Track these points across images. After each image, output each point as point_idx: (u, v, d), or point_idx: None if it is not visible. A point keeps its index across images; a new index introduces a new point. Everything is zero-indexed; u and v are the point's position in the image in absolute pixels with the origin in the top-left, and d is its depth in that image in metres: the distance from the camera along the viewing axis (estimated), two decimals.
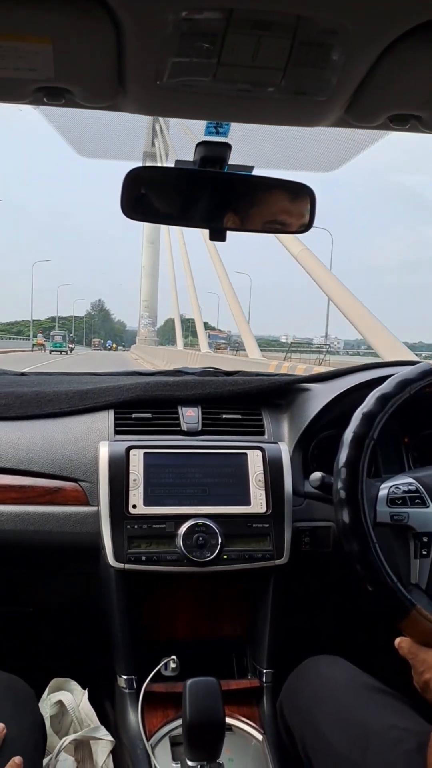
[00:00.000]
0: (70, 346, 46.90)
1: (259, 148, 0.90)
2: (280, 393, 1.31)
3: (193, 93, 0.72)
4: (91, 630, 1.26)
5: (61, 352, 41.85)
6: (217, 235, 0.93)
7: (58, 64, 0.66)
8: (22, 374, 1.53)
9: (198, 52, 0.64)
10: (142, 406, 1.23)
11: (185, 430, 1.21)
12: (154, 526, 1.08)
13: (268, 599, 1.15)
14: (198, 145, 0.90)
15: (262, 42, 0.62)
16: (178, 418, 1.22)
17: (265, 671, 1.15)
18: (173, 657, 1.11)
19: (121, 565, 1.07)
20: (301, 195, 0.94)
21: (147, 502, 1.09)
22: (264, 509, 1.12)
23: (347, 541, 0.96)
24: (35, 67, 0.66)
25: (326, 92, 0.71)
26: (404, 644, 0.88)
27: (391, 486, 1.02)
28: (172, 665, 1.11)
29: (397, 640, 0.88)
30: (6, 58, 0.64)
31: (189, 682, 0.88)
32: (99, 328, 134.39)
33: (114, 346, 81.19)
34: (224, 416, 1.24)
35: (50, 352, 41.58)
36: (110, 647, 1.15)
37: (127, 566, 1.07)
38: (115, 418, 1.21)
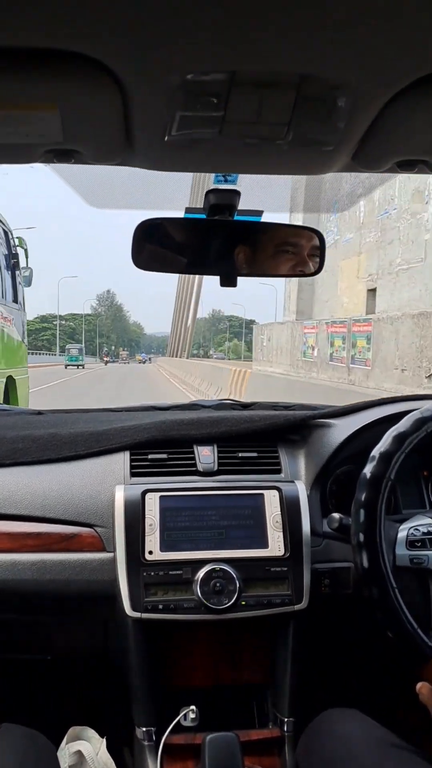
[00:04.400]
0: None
1: (268, 192, 0.91)
2: (296, 429, 1.30)
3: (200, 147, 0.73)
4: (109, 678, 1.24)
5: (77, 366, 40.99)
6: (228, 282, 0.93)
7: (66, 128, 0.67)
8: (39, 413, 1.54)
9: (203, 110, 0.64)
10: (158, 446, 1.23)
11: (201, 470, 1.20)
12: (170, 572, 1.06)
13: (288, 645, 1.13)
14: (207, 193, 0.91)
15: (265, 99, 0.63)
16: (194, 458, 1.21)
17: (286, 720, 1.12)
18: (192, 707, 1.08)
19: (138, 614, 1.05)
20: (310, 239, 0.94)
21: (163, 547, 1.08)
22: (282, 552, 1.10)
23: (366, 586, 0.94)
24: (44, 132, 0.67)
25: (332, 143, 0.71)
26: (425, 690, 0.85)
27: (411, 528, 1.00)
28: (192, 715, 1.08)
29: (419, 685, 0.86)
30: (15, 125, 0.66)
31: (208, 738, 0.86)
32: (109, 330, 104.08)
33: (137, 357, 72.62)
34: (240, 454, 1.23)
35: (66, 366, 40.44)
36: (128, 696, 1.13)
37: (144, 615, 1.05)
38: (131, 460, 1.20)
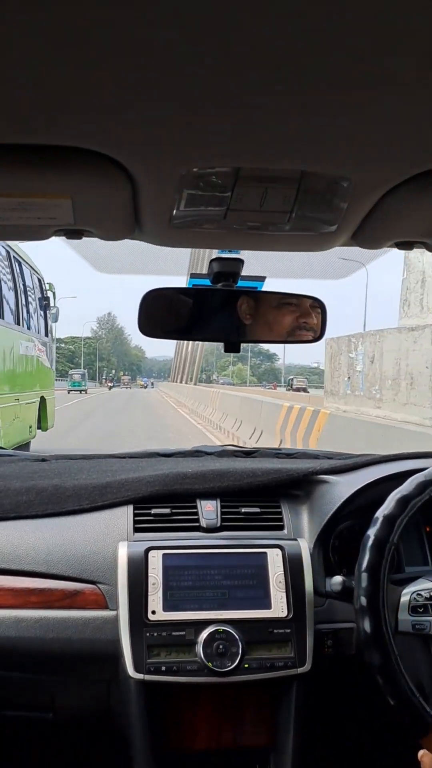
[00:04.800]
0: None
1: (271, 259, 0.93)
2: (299, 484, 1.30)
3: (204, 229, 0.75)
4: (110, 740, 1.23)
5: (80, 391, 40.94)
6: (232, 347, 0.95)
7: (77, 212, 0.70)
8: (43, 460, 1.54)
9: (208, 198, 0.67)
10: (161, 500, 1.23)
11: (204, 526, 1.20)
12: (173, 633, 1.06)
13: (290, 707, 1.11)
14: (212, 261, 0.94)
15: (268, 192, 0.65)
16: (197, 513, 1.22)
17: None
18: None
19: (140, 676, 1.04)
20: (312, 307, 0.96)
21: (166, 607, 1.08)
22: (285, 613, 1.10)
23: (368, 652, 0.93)
24: (56, 216, 0.70)
25: (331, 227, 0.73)
26: (426, 759, 0.84)
27: (414, 592, 1.00)
28: None
29: (420, 753, 0.85)
30: (28, 210, 0.68)
31: None
32: (109, 353, 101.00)
33: (138, 382, 70.92)
34: (243, 510, 1.23)
35: (69, 391, 40.06)
36: (130, 759, 1.11)
37: (147, 677, 1.04)
38: (134, 515, 1.21)
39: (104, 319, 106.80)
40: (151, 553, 1.11)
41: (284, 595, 1.11)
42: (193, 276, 0.98)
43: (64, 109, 0.51)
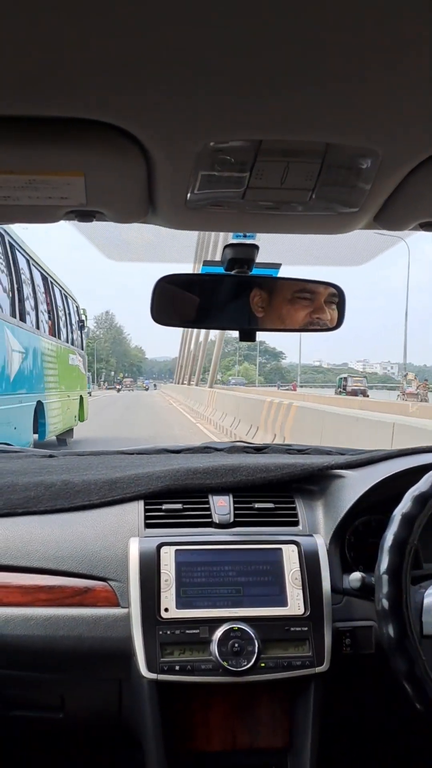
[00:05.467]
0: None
1: (287, 246, 0.90)
2: (313, 479, 1.27)
3: (221, 209, 0.72)
4: (122, 740, 1.20)
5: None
6: (247, 336, 0.92)
7: (90, 191, 0.67)
8: (51, 456, 1.51)
9: (227, 176, 0.64)
10: (173, 495, 1.20)
11: (217, 522, 1.17)
12: (187, 631, 1.03)
13: (308, 708, 1.08)
14: (226, 247, 0.91)
15: (290, 167, 0.62)
16: (209, 509, 1.19)
17: None
18: None
19: (154, 676, 1.01)
20: (330, 294, 0.93)
21: (179, 604, 1.05)
22: (302, 611, 1.06)
23: (393, 658, 0.90)
24: (68, 195, 0.67)
25: (355, 206, 0.70)
26: None
27: None
28: None
29: None
30: (39, 189, 0.65)
31: None
32: (108, 354, 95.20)
33: (141, 384, 68.28)
34: (256, 505, 1.20)
35: None
36: (143, 761, 1.08)
37: (161, 677, 1.01)
38: (145, 510, 1.18)
39: (102, 318, 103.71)
40: (164, 549, 1.08)
41: (301, 592, 1.07)
42: (206, 263, 0.95)
43: (77, 78, 0.48)
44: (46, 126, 0.56)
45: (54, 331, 8.40)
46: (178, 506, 1.18)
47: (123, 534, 1.13)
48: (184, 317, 0.92)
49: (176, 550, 1.09)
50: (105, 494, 1.20)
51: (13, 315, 6.26)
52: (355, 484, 1.21)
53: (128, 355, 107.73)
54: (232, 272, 0.91)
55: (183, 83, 0.49)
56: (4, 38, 0.43)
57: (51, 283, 8.37)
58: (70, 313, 9.86)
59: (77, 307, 10.66)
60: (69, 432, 9.84)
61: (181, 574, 1.07)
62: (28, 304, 6.88)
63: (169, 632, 1.03)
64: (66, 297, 9.56)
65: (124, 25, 0.42)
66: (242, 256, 0.90)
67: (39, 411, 7.34)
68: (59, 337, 8.72)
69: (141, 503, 1.19)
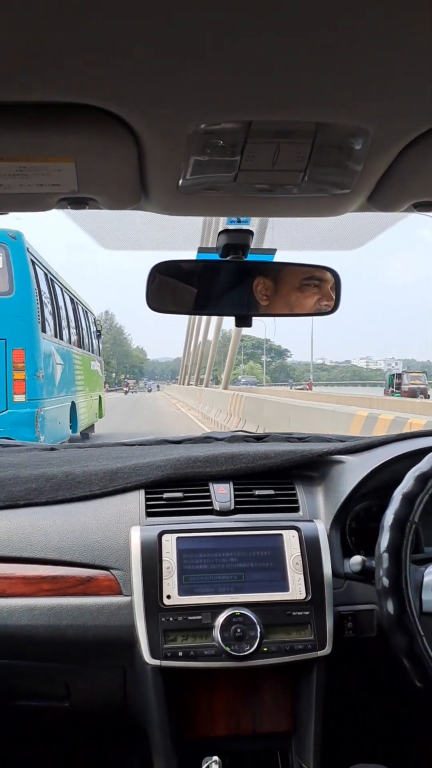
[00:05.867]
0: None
1: (282, 230, 0.90)
2: (313, 465, 1.27)
3: (213, 193, 0.72)
4: (127, 726, 1.21)
5: None
6: (243, 322, 0.92)
7: (81, 178, 0.67)
8: (52, 449, 1.52)
9: (218, 158, 0.64)
10: (173, 484, 1.21)
11: (218, 509, 1.17)
12: (189, 617, 1.03)
13: (311, 691, 1.09)
14: (220, 233, 0.91)
15: (281, 148, 0.62)
16: (210, 497, 1.19)
17: None
18: (215, 758, 1.04)
19: (157, 662, 1.02)
20: (325, 278, 0.93)
21: (182, 591, 1.05)
22: (303, 595, 1.07)
23: (393, 635, 0.90)
24: (59, 182, 0.67)
25: (348, 187, 0.70)
26: None
27: None
28: (215, 766, 1.04)
29: None
30: (30, 176, 0.66)
31: None
32: (109, 355, 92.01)
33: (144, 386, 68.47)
34: (257, 492, 1.21)
35: None
36: (148, 748, 1.09)
37: (164, 663, 1.02)
38: (146, 499, 1.18)
39: (101, 318, 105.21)
40: (165, 537, 1.09)
41: (302, 577, 1.08)
42: (201, 250, 0.96)
43: (64, 61, 0.48)
44: (34, 111, 0.56)
45: (80, 343, 10.42)
46: (179, 495, 1.19)
47: (124, 523, 1.14)
48: (180, 304, 0.92)
49: (177, 538, 1.09)
50: (106, 484, 1.21)
51: (55, 336, 7.98)
52: (354, 469, 1.22)
53: (129, 356, 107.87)
54: (228, 258, 0.91)
55: (171, 65, 0.49)
56: None
57: (76, 303, 10.34)
58: (90, 325, 12.04)
59: (94, 319, 12.97)
60: (91, 427, 11.65)
61: (182, 562, 1.07)
62: (64, 324, 8.74)
63: (171, 619, 1.03)
64: (86, 312, 11.65)
65: (113, 7, 0.42)
66: (237, 242, 0.90)
67: (72, 409, 9.04)
68: (83, 347, 10.74)
69: (142, 492, 1.20)
